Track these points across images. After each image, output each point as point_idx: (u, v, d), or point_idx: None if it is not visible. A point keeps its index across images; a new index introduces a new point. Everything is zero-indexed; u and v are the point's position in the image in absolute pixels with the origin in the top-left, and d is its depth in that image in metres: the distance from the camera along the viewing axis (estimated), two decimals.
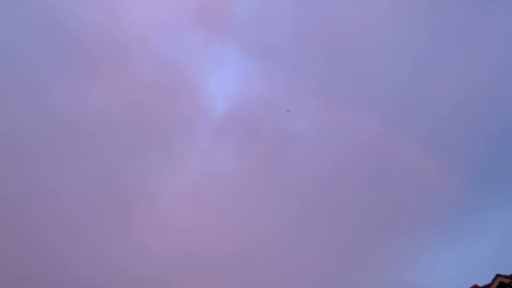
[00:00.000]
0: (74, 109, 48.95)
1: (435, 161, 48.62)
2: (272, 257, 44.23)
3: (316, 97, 51.40)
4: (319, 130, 53.23)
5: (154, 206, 48.07)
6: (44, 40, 47.61)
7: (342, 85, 52.70)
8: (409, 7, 50.61)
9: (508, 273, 21.21)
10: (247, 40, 55.58)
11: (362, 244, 46.29)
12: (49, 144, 46.56)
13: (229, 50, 56.56)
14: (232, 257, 44.67)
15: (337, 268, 44.72)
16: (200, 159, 53.71)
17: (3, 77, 44.99)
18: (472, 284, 25.57)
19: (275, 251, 44.61)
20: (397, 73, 51.27)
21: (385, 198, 49.38)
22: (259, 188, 50.63)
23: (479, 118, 49.88)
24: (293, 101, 53.09)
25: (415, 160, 49.29)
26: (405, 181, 49.93)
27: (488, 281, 22.15)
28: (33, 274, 38.89)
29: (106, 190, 47.11)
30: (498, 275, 20.68)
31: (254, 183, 51.05)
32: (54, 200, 44.04)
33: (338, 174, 51.19)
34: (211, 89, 59.26)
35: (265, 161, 53.03)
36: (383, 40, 51.41)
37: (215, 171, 52.37)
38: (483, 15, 49.63)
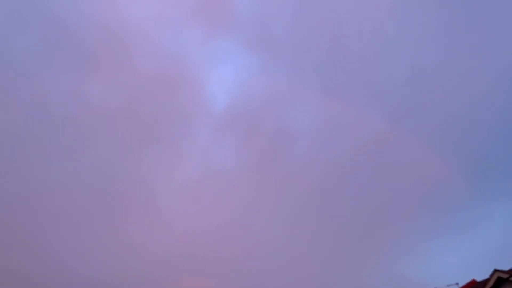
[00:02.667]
0: (73, 104, 48.98)
1: (434, 156, 48.80)
2: (271, 254, 44.42)
3: (317, 93, 51.48)
4: (320, 126, 53.35)
5: (152, 202, 48.11)
6: (44, 36, 47.58)
7: (343, 82, 52.81)
8: (412, 5, 50.65)
9: (506, 268, 21.36)
10: (248, 36, 55.64)
11: (361, 239, 46.53)
12: (48, 140, 46.57)
13: (230, 46, 56.65)
14: (231, 255, 44.75)
15: (336, 264, 44.96)
16: (200, 155, 53.78)
17: (2, 72, 45.02)
18: (470, 279, 25.76)
19: (274, 248, 44.79)
20: (398, 70, 51.45)
21: (384, 193, 49.57)
22: (259, 185, 50.72)
23: (480, 114, 50.08)
24: (294, 97, 53.25)
25: (415, 155, 49.48)
26: (404, 176, 50.08)
27: (486, 276, 22.28)
28: (30, 272, 38.87)
29: (105, 186, 47.18)
30: (496, 270, 20.80)
31: (254, 180, 51.13)
32: (52, 196, 44.04)
33: (338, 170, 51.35)
34: (212, 84, 59.34)
35: (265, 157, 53.14)
36: (385, 37, 51.47)
37: (215, 167, 52.46)
38: (485, 13, 49.68)
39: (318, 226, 47.45)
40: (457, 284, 25.91)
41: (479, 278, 24.56)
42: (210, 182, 51.02)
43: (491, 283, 20.84)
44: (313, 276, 42.40)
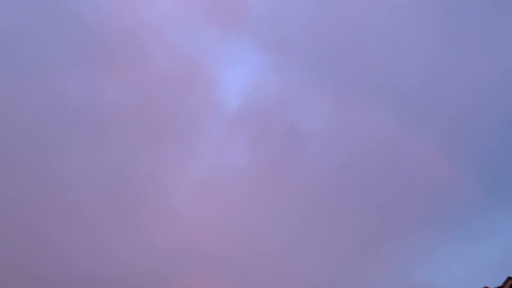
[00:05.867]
0: (87, 101, 49.41)
1: (447, 161, 48.35)
2: (280, 255, 44.41)
3: (330, 94, 51.31)
4: (332, 127, 53.11)
5: (164, 200, 48.31)
6: (60, 32, 48.08)
7: (357, 83, 52.48)
8: (427, 6, 50.27)
9: None
10: (262, 36, 55.48)
11: (371, 243, 46.27)
12: (62, 136, 46.99)
13: (244, 45, 56.48)
14: (240, 253, 44.83)
15: (344, 267, 44.78)
16: (212, 154, 53.81)
17: (18, 67, 45.60)
18: (482, 286, 25.51)
19: (283, 249, 44.77)
20: (412, 72, 51.02)
21: (396, 197, 49.20)
22: (269, 185, 50.67)
23: (494, 120, 49.45)
24: (307, 99, 53.12)
25: (427, 160, 49.05)
26: (417, 181, 49.68)
27: (499, 283, 22.08)
28: (41, 268, 39.39)
29: (117, 183, 47.58)
30: (509, 278, 20.62)
31: (266, 180, 51.08)
32: (64, 192, 44.57)
33: (349, 172, 51.09)
34: (225, 84, 59.27)
35: (277, 157, 53.01)
36: (399, 39, 51.15)
37: (227, 166, 52.47)
38: (501, 14, 49.14)
39: (328, 228, 47.35)
40: None
41: (492, 285, 24.31)
42: (221, 180, 51.18)
43: None
44: (322, 278, 42.33)
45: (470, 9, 50.06)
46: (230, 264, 43.99)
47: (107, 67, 49.78)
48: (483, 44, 49.71)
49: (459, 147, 49.52)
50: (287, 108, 54.54)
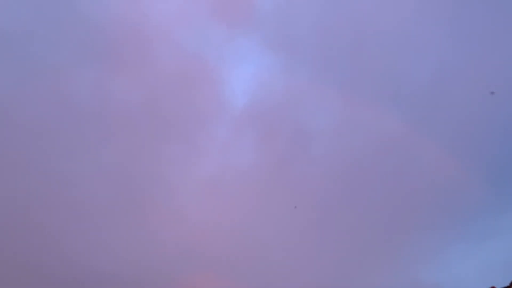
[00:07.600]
0: (94, 100, 49.57)
1: (454, 161, 48.08)
2: (286, 255, 44.41)
3: (338, 93, 51.14)
4: (339, 128, 52.93)
5: (169, 198, 48.45)
6: (67, 31, 48.25)
7: (365, 83, 52.23)
8: (436, 6, 49.96)
9: None
10: (269, 35, 55.34)
11: (377, 243, 46.14)
12: (68, 133, 47.14)
13: (251, 44, 56.41)
14: (245, 253, 44.89)
15: (351, 267, 44.71)
16: (217, 153, 53.88)
17: (25, 67, 45.87)
18: (489, 287, 25.37)
19: (287, 250, 44.77)
20: (421, 72, 50.67)
21: (402, 198, 49.01)
22: (275, 184, 50.66)
23: (503, 120, 49.08)
24: (313, 98, 53.03)
25: (434, 160, 48.78)
26: (423, 181, 49.40)
27: (506, 283, 22.01)
28: (45, 266, 39.75)
29: (124, 181, 47.78)
30: None
31: (271, 179, 51.05)
32: (70, 190, 44.79)
33: (356, 172, 50.97)
34: (232, 83, 59.27)
35: (282, 157, 53.01)
36: (408, 38, 50.83)
37: (233, 165, 52.48)
38: (511, 14, 48.75)
39: (333, 228, 47.28)
40: None
41: (499, 286, 24.24)
42: (227, 180, 51.16)
43: None
44: (326, 279, 42.30)
45: (479, 10, 49.71)
46: (235, 264, 44.06)
47: (114, 66, 49.97)
48: (492, 44, 49.32)
49: (466, 147, 49.22)
50: (293, 108, 54.48)
